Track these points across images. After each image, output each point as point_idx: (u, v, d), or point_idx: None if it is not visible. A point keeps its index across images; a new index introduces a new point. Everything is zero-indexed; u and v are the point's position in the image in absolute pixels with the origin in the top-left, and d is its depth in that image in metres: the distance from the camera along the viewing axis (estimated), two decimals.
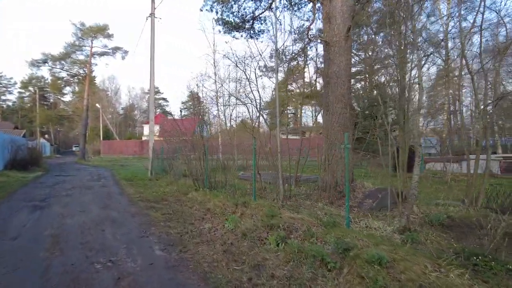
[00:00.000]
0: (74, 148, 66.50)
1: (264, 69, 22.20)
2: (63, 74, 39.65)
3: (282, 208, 6.40)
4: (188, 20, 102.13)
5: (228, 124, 25.80)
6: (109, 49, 37.47)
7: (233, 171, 12.84)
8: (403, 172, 7.42)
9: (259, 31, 14.32)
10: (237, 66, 10.71)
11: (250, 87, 9.62)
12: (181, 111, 75.12)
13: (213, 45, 21.44)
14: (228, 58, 15.90)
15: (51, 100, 66.12)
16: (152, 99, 16.46)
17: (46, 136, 61.20)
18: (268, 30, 13.84)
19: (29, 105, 62.79)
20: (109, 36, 36.92)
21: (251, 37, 14.69)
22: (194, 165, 10.23)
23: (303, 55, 11.26)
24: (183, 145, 10.22)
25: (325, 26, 8.71)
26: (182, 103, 72.84)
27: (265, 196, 8.25)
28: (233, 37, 14.32)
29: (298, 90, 37.67)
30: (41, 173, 17.50)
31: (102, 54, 37.71)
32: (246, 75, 10.84)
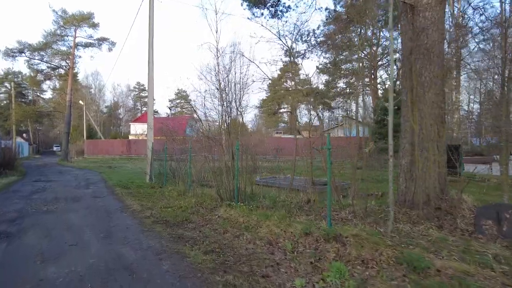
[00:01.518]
0: (55, 148, 62.45)
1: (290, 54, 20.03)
2: (43, 66, 36.02)
3: (394, 242, 4.12)
4: (183, 9, 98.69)
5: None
6: (94, 40, 34.29)
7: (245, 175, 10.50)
8: None
9: (284, 8, 12.05)
10: (280, 39, 8.54)
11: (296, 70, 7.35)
12: (170, 109, 72.11)
13: (216, 32, 18.83)
14: (269, 31, 13.66)
15: (30, 97, 61.51)
16: (151, 90, 13.88)
17: (24, 135, 57.08)
18: (297, 6, 11.58)
19: (4, 102, 58.05)
20: (95, 26, 33.77)
21: (273, 16, 12.43)
22: (219, 170, 7.86)
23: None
24: (207, 144, 7.78)
25: None
26: (169, 101, 69.72)
27: (313, 212, 5.93)
28: (253, 14, 12.00)
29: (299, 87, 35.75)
30: (15, 177, 14.60)
31: (86, 45, 34.51)
32: (291, 54, 8.65)
